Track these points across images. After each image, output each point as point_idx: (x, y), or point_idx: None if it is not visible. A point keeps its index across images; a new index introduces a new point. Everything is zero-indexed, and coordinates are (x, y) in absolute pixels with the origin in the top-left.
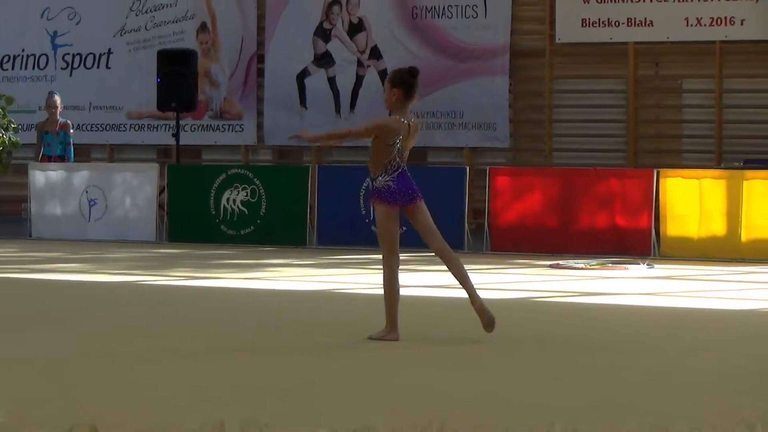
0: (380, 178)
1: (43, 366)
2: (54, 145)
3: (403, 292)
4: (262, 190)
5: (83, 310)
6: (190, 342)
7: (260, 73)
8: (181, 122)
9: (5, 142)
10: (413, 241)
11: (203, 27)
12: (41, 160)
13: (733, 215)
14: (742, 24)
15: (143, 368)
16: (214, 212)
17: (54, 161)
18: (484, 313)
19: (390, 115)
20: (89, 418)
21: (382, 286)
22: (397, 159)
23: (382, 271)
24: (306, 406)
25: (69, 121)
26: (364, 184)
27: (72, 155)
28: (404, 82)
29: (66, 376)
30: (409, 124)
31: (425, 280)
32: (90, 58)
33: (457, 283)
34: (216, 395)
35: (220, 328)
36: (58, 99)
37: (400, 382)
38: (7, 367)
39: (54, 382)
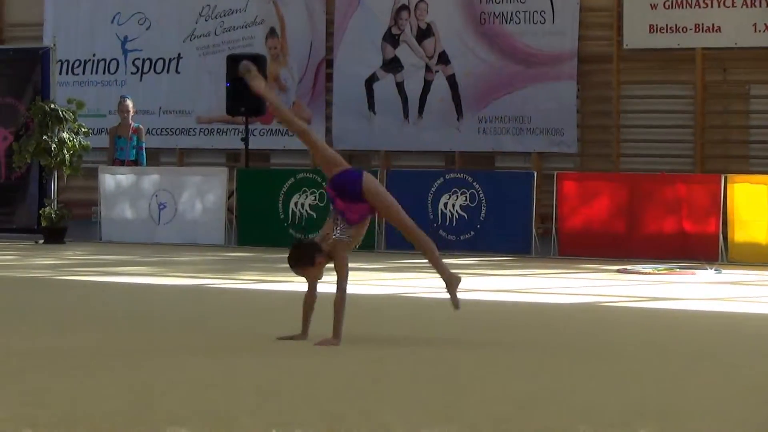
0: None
1: (118, 366)
2: (127, 149)
3: (473, 296)
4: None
5: (150, 312)
6: (256, 342)
7: (329, 78)
8: (250, 127)
9: (76, 146)
10: (480, 245)
11: (272, 32)
12: (114, 165)
13: None
14: None
15: (208, 366)
16: (282, 216)
17: (126, 165)
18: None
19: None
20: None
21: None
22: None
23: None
24: (373, 405)
25: (141, 126)
26: (433, 188)
27: (144, 160)
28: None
29: (141, 375)
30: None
31: (493, 284)
32: (160, 63)
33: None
34: (288, 394)
35: (287, 330)
36: (130, 103)
37: (479, 388)
38: (86, 367)
39: (127, 381)
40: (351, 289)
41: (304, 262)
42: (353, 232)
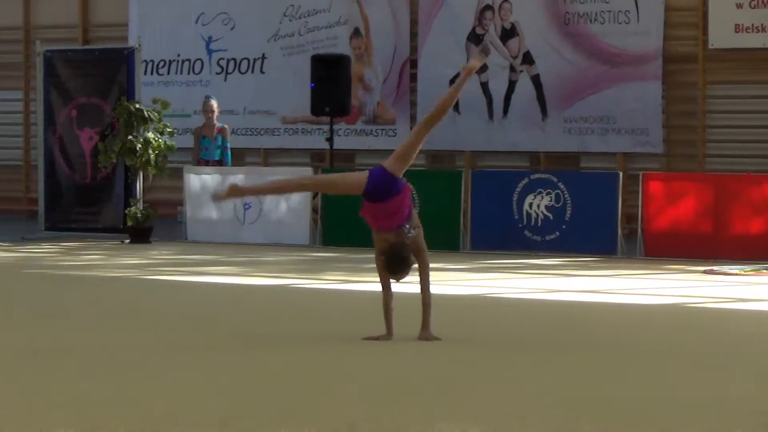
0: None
1: (200, 365)
2: (211, 149)
3: (558, 297)
4: (415, 194)
5: (235, 311)
6: (339, 342)
7: (413, 77)
8: (335, 127)
9: (161, 146)
10: (565, 246)
11: (356, 32)
12: (199, 165)
13: None
14: None
15: (306, 365)
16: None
17: (211, 165)
18: None
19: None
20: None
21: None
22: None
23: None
24: (462, 405)
25: (227, 126)
26: (518, 188)
27: (230, 160)
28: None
29: (225, 374)
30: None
31: (578, 285)
32: (244, 63)
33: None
34: (381, 389)
35: (373, 330)
36: (214, 103)
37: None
38: (178, 365)
39: (213, 382)
40: (435, 290)
41: (409, 265)
42: (416, 222)
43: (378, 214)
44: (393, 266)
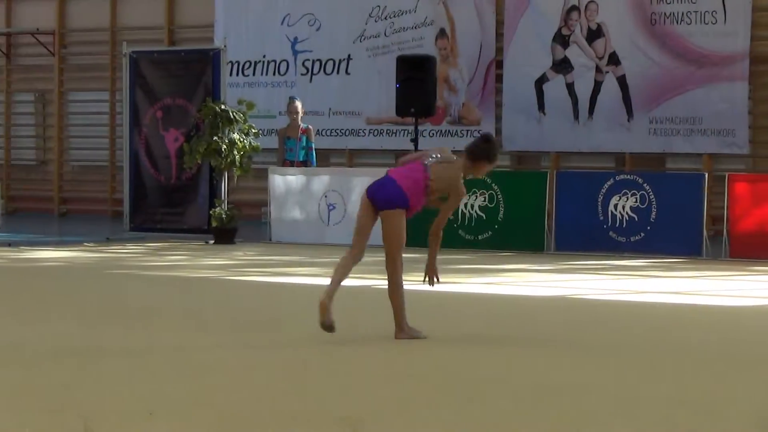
0: None
1: (277, 366)
2: (296, 150)
3: (643, 298)
4: (500, 196)
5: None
6: (422, 344)
7: (498, 78)
8: (420, 127)
9: (246, 147)
10: (650, 247)
11: (442, 33)
12: (284, 166)
13: None
14: None
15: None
16: (452, 217)
17: (296, 166)
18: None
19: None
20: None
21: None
22: None
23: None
24: (537, 406)
25: (311, 127)
26: (603, 189)
27: (314, 160)
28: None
29: (309, 375)
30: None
31: (662, 286)
32: (330, 64)
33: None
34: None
35: (455, 329)
36: (299, 104)
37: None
38: (262, 365)
39: (297, 382)
40: (520, 290)
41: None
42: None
43: (411, 192)
44: (495, 148)
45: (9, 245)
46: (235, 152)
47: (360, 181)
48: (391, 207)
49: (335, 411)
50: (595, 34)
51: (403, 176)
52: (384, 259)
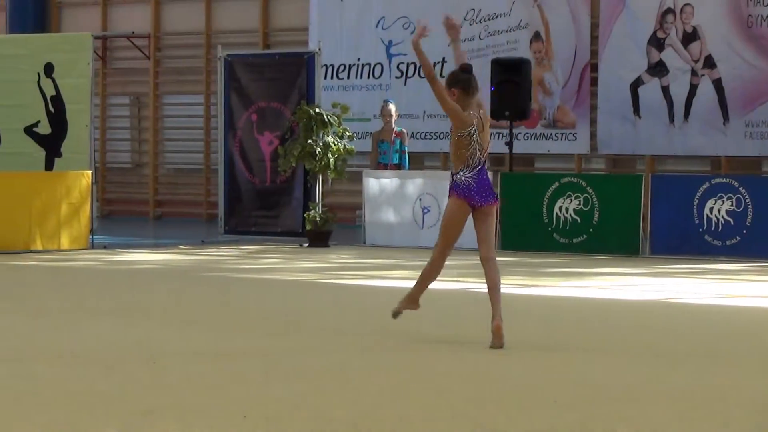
0: (461, 173)
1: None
2: (390, 153)
3: (740, 302)
4: (595, 199)
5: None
6: (520, 348)
7: (593, 81)
8: (515, 131)
9: (340, 150)
10: (746, 251)
11: (537, 36)
12: (377, 169)
13: None
14: None
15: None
16: (546, 220)
17: (390, 169)
18: (497, 335)
19: None
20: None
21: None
22: (477, 153)
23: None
24: (620, 411)
25: (404, 130)
26: (699, 193)
27: (407, 164)
28: (458, 81)
29: (400, 379)
30: (480, 117)
31: (758, 291)
32: None
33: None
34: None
35: (539, 334)
36: (393, 108)
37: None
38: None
39: (393, 386)
40: (613, 293)
41: (448, 77)
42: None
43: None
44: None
45: (105, 248)
46: (330, 155)
47: None
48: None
49: (426, 415)
50: (690, 37)
51: None
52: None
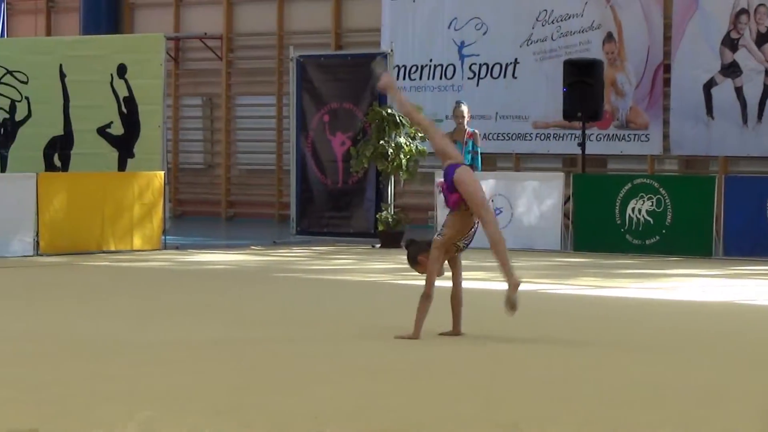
0: None
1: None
2: (462, 154)
3: None
4: (668, 200)
5: (482, 317)
6: (583, 348)
7: (666, 82)
8: (587, 132)
9: (412, 151)
10: None
11: (609, 37)
12: None
13: None
14: None
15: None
16: (619, 222)
17: None
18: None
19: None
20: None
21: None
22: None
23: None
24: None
25: (477, 131)
26: None
27: (479, 165)
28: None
29: (476, 378)
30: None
31: None
32: (496, 68)
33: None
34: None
35: (618, 335)
36: (465, 108)
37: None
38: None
39: (468, 385)
40: (686, 295)
41: (409, 261)
42: (447, 229)
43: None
44: None
45: (177, 248)
46: (402, 156)
47: (527, 186)
48: None
49: (506, 416)
50: (764, 38)
51: None
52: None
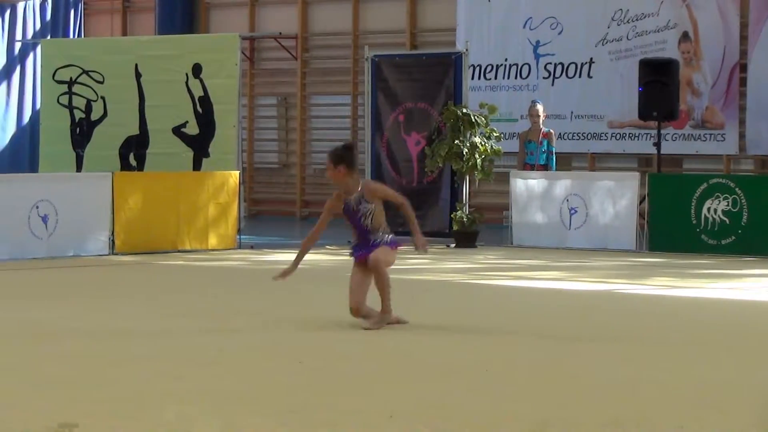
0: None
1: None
2: (537, 154)
3: None
4: (743, 200)
5: (559, 317)
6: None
7: (743, 82)
8: (663, 131)
9: (488, 150)
10: None
11: (685, 36)
12: (524, 169)
13: None
14: None
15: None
16: (694, 222)
17: (537, 170)
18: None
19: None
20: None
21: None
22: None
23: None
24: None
25: (552, 131)
26: None
27: (554, 164)
28: (344, 159)
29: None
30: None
31: None
32: (572, 68)
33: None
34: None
35: (702, 339)
36: (540, 108)
37: None
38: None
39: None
40: (758, 294)
41: (332, 157)
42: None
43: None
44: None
45: (252, 248)
46: (477, 156)
47: (602, 185)
48: None
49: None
50: None
51: None
52: None
